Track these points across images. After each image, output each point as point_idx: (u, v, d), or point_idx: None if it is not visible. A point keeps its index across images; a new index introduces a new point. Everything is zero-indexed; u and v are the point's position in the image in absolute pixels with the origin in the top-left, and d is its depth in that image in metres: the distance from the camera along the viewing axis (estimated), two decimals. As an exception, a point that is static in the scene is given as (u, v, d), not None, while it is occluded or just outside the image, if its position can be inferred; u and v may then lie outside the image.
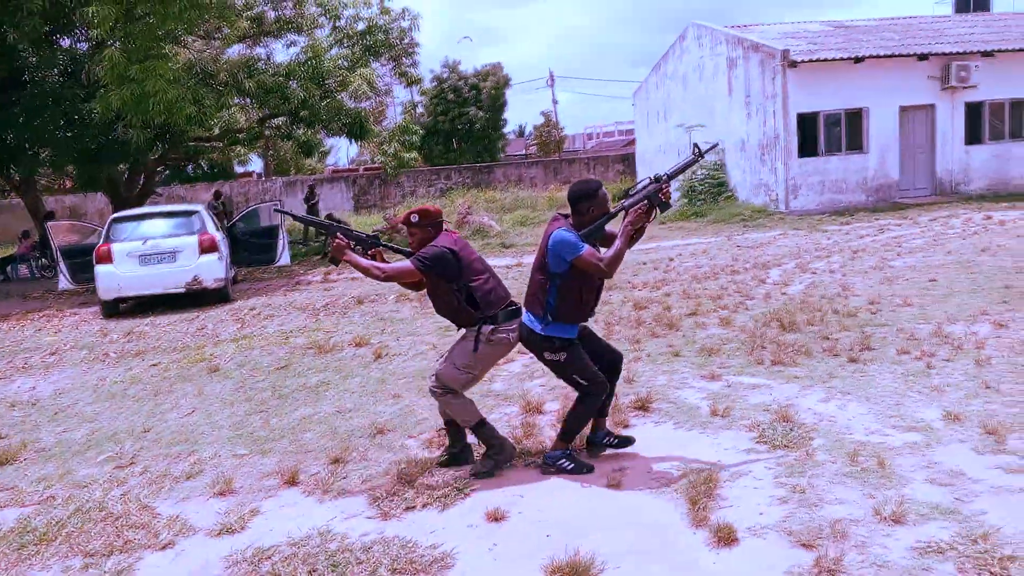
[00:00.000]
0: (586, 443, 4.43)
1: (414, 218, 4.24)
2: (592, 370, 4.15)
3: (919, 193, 18.44)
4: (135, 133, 12.95)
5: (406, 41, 18.11)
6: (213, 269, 11.11)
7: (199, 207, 12.11)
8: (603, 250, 4.04)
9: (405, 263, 4.17)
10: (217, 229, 12.19)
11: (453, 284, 4.12)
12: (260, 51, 19.26)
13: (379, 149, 20.73)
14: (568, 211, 4.18)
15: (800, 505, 3.56)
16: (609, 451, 4.38)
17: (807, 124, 17.94)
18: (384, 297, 10.86)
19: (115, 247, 10.90)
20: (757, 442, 4.42)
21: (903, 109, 17.93)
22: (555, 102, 47.39)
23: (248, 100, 16.60)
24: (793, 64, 16.94)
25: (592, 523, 3.58)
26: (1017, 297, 7.69)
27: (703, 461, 4.18)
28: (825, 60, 17.09)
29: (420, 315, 9.33)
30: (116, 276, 10.83)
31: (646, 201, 4.00)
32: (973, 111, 18.42)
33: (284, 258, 13.62)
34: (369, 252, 4.32)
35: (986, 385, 5.01)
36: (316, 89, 16.35)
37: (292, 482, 4.34)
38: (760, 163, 18.34)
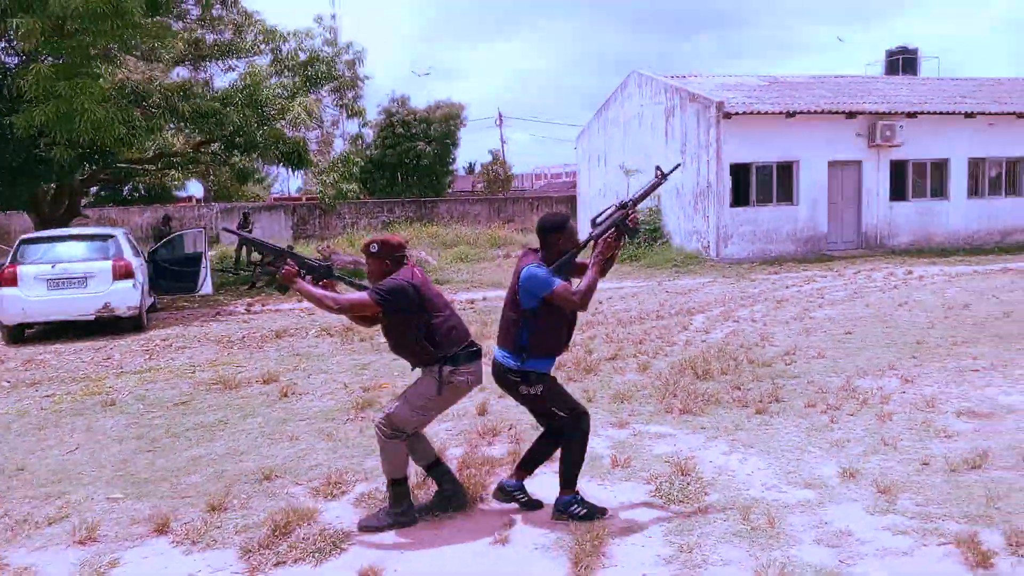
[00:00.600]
0: (497, 488, 4.26)
1: (373, 248, 4.01)
2: (571, 400, 4.08)
3: (846, 245, 18.97)
4: (58, 151, 12.48)
5: (349, 74, 17.98)
6: (127, 296, 10.67)
7: (117, 231, 11.66)
8: (575, 281, 3.95)
9: (361, 295, 3.92)
10: (137, 255, 11.76)
11: (412, 320, 3.91)
12: (201, 76, 18.97)
13: (318, 179, 20.41)
14: (537, 245, 4.08)
15: (684, 567, 3.46)
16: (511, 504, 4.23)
17: (740, 174, 18.36)
18: (305, 331, 10.57)
19: (21, 269, 10.39)
20: (653, 495, 4.32)
21: (832, 164, 18.50)
22: (504, 141, 48.15)
23: (183, 124, 16.19)
24: (728, 115, 17.37)
25: (470, 582, 3.42)
26: (927, 352, 7.84)
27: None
28: (759, 113, 17.57)
29: (339, 351, 9.08)
30: (20, 300, 10.30)
31: (614, 229, 3.94)
32: (898, 168, 19.13)
33: (206, 287, 13.20)
34: (321, 282, 4.09)
35: (884, 442, 5.02)
36: (253, 116, 16.07)
37: (162, 530, 4.06)
38: (694, 211, 18.65)
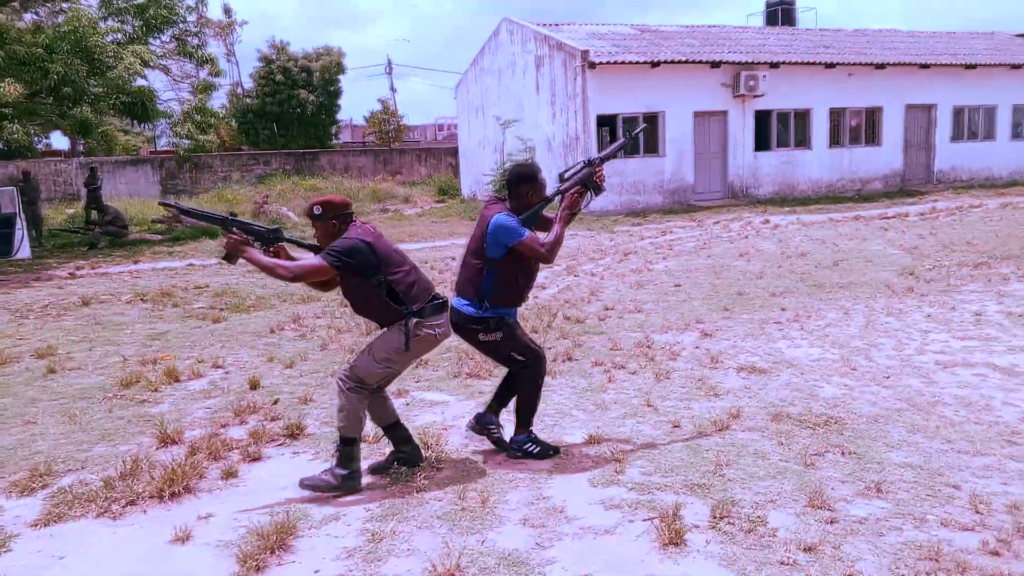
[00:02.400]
0: (474, 418, 4.33)
1: (316, 210, 3.80)
2: (529, 344, 4.09)
3: (713, 196, 19.19)
4: None
5: (192, 18, 16.73)
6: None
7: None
8: (540, 234, 4.01)
9: (315, 259, 3.71)
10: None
11: (371, 279, 3.73)
12: (26, 19, 17.33)
13: (172, 131, 19.11)
14: (504, 195, 4.08)
15: (363, 560, 3.15)
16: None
17: (607, 126, 18.19)
18: (117, 297, 9.80)
19: None
20: (392, 473, 4.00)
21: (698, 114, 18.56)
22: (394, 90, 46.58)
23: (-1, 72, 14.71)
24: (592, 65, 17.08)
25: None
26: (743, 304, 7.84)
27: (301, 500, 3.72)
28: (623, 63, 17.35)
29: (142, 320, 8.42)
30: None
31: (581, 186, 4.04)
32: (762, 119, 19.37)
33: (23, 251, 12.15)
34: (271, 248, 3.84)
35: (648, 403, 4.87)
36: (81, 65, 14.74)
37: None
38: (563, 163, 18.41)
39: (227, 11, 35.27)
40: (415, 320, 3.76)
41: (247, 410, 5.10)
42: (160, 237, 16.69)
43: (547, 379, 5.48)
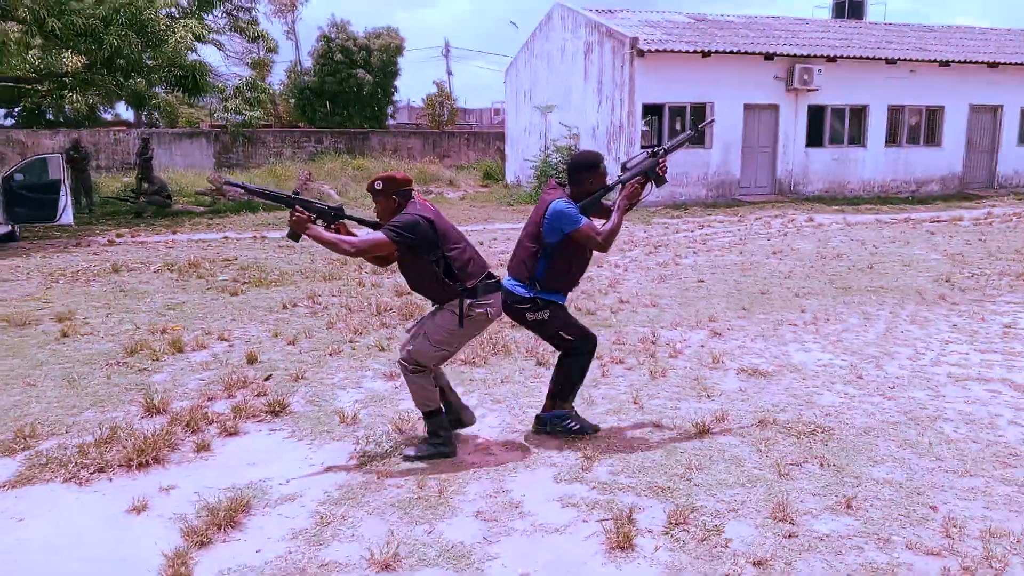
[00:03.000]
0: (536, 420, 4.29)
1: (378, 185, 3.87)
2: (578, 325, 4.15)
3: (760, 191, 18.71)
4: None
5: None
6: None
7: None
8: (597, 222, 4.03)
9: (376, 235, 3.81)
10: None
11: (430, 255, 3.78)
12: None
13: (222, 105, 19.44)
14: (564, 180, 4.12)
15: (305, 543, 3.13)
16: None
17: (654, 115, 17.87)
18: (147, 266, 10.02)
19: None
20: (351, 458, 3.98)
21: (748, 107, 18.07)
22: (450, 73, 46.56)
23: (59, 43, 15.12)
24: (641, 53, 16.76)
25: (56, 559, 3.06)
26: (762, 304, 7.60)
27: (263, 479, 3.72)
28: (673, 52, 16.97)
29: (165, 290, 8.58)
30: None
31: (642, 176, 4.04)
32: (815, 114, 18.77)
33: (66, 216, 12.49)
34: (332, 225, 3.95)
35: (636, 400, 4.75)
36: (135, 37, 15.07)
37: None
38: (607, 152, 18.16)
39: (289, -11, 35.81)
40: (469, 301, 3.80)
41: (237, 384, 5.14)
42: (203, 209, 17.03)
43: (539, 368, 5.43)
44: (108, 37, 14.60)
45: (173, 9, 16.43)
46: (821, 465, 3.72)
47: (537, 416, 4.32)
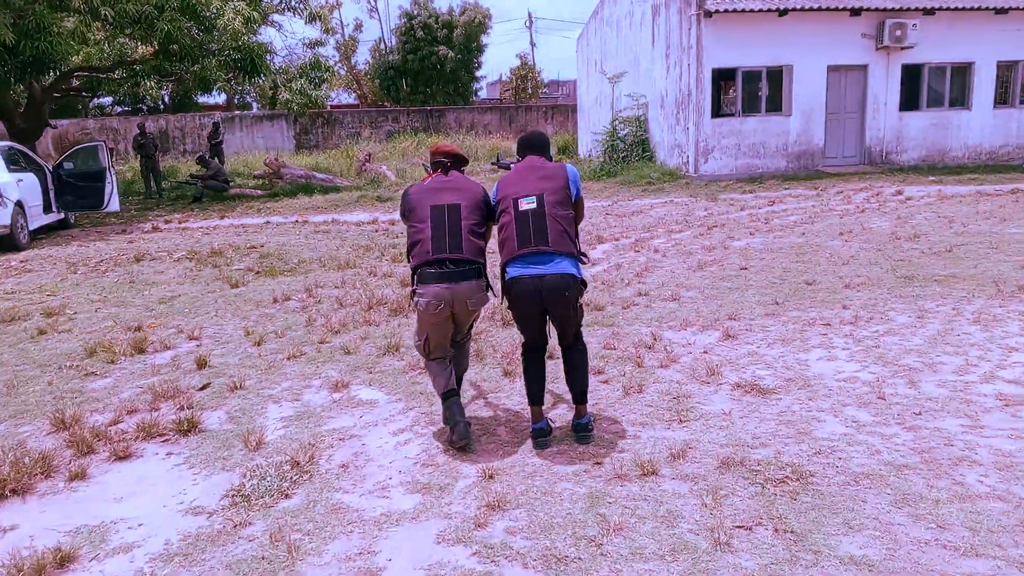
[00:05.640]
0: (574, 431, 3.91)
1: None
2: None
3: (847, 161, 17.10)
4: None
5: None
6: (-9, 215, 10.10)
7: (-3, 145, 10.98)
8: None
9: None
10: (18, 171, 11.10)
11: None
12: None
13: (285, 87, 19.36)
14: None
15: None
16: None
17: (728, 80, 16.56)
18: (170, 255, 9.86)
19: None
20: (223, 496, 3.43)
21: (832, 68, 16.46)
22: (533, 44, 45.55)
23: (113, 30, 15.31)
24: (709, 14, 15.47)
25: None
26: (801, 296, 6.61)
27: (115, 520, 3.22)
28: (744, 11, 15.59)
29: (178, 279, 8.34)
30: None
31: None
32: (911, 74, 16.93)
33: (113, 204, 12.58)
34: None
35: (595, 426, 3.98)
36: (186, 22, 15.06)
37: None
38: (675, 121, 17.00)
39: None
40: (413, 285, 3.74)
41: (165, 395, 4.69)
42: (260, 193, 17.01)
43: (490, 386, 4.74)
44: (160, 23, 14.61)
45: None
46: (775, 531, 2.88)
47: (577, 424, 3.84)
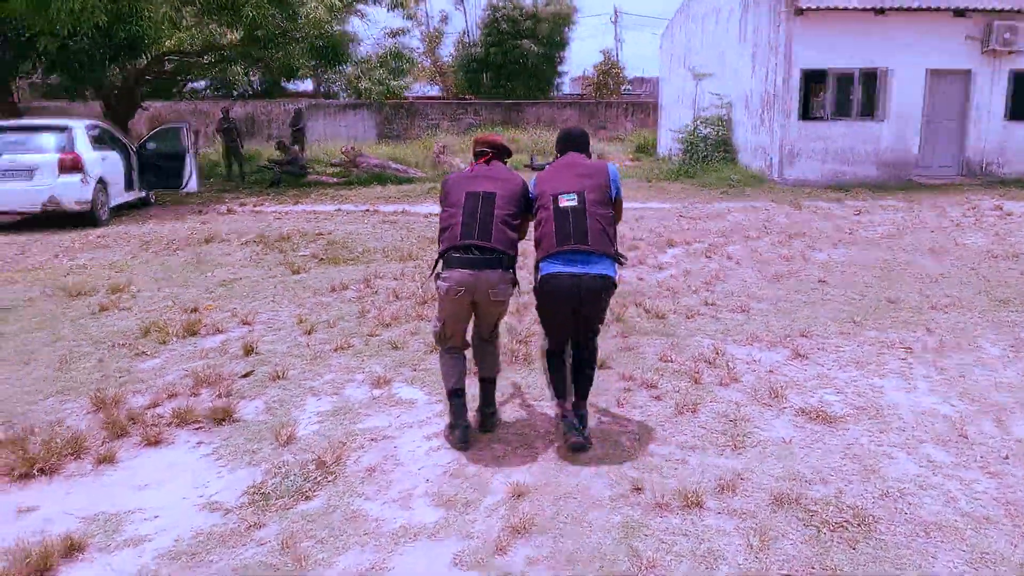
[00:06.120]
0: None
1: None
2: None
3: (943, 172, 16.10)
4: (43, 40, 12.28)
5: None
6: (73, 190, 10.41)
7: (78, 123, 11.29)
8: None
9: None
10: (102, 149, 11.42)
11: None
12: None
13: (365, 76, 19.52)
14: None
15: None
16: None
17: (814, 83, 15.82)
18: (239, 236, 9.97)
19: (-31, 160, 10.31)
20: (243, 493, 3.32)
21: (933, 73, 15.50)
22: (618, 40, 44.89)
23: (202, 16, 15.69)
24: (800, 11, 14.77)
25: None
26: (881, 316, 6.13)
27: (131, 510, 3.13)
28: (839, 9, 14.81)
29: (242, 263, 8.41)
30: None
31: None
32: (1020, 81, 15.80)
33: (192, 184, 12.87)
34: None
35: (634, 444, 3.71)
36: (271, 9, 15.31)
37: None
38: (760, 122, 16.34)
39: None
40: (438, 269, 3.71)
41: (207, 380, 4.65)
42: (335, 181, 17.18)
43: (535, 393, 4.51)
44: (246, 9, 14.88)
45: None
46: (828, 586, 2.57)
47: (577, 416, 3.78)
